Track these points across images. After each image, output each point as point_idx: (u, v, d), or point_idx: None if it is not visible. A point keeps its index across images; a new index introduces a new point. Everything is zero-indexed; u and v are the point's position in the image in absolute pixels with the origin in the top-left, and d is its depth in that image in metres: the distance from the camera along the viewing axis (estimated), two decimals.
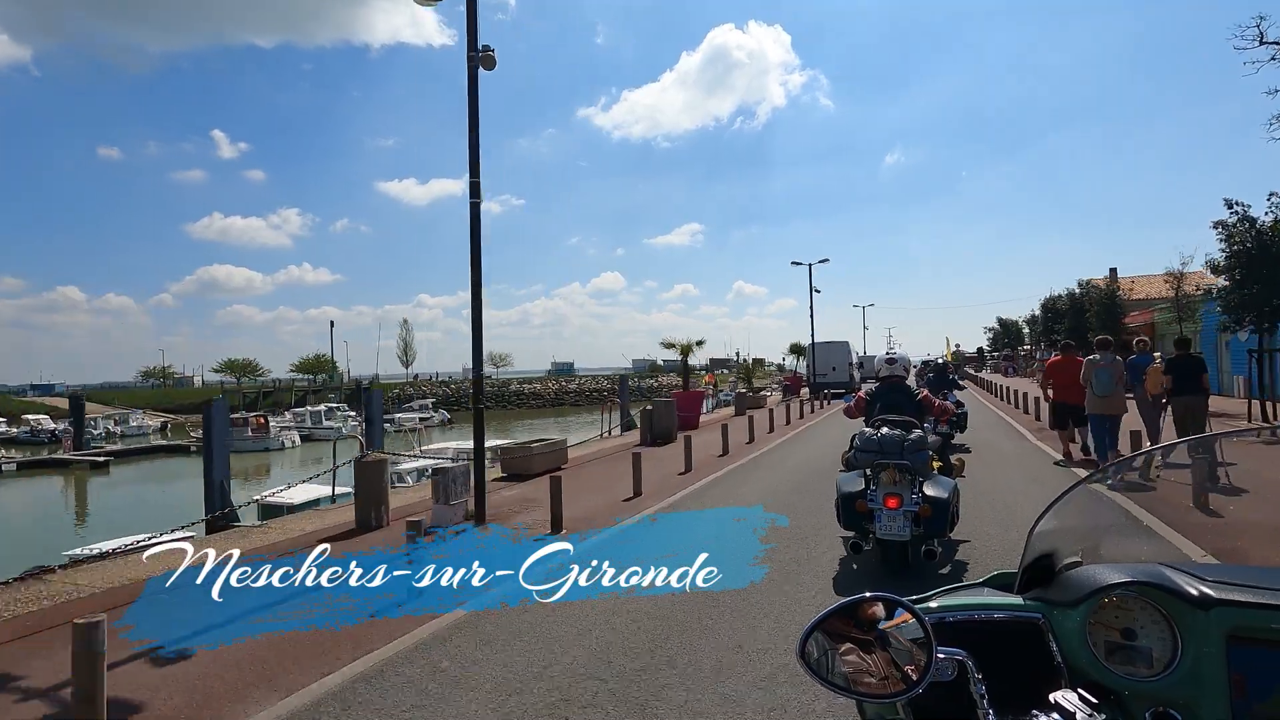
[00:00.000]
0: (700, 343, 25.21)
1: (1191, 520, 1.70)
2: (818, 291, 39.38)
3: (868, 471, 5.49)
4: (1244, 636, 1.20)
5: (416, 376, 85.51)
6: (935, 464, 6.04)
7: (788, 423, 21.60)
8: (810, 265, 38.97)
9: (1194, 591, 1.24)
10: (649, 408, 18.22)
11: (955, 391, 14.02)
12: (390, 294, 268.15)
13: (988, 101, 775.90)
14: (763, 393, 43.20)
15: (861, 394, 6.72)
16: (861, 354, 61.85)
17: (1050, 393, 11.33)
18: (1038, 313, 52.70)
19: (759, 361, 38.15)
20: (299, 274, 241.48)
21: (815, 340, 39.36)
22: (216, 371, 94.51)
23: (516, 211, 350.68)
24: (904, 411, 6.13)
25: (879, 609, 1.25)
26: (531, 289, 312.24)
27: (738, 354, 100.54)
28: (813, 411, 26.82)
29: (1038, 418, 19.15)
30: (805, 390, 36.90)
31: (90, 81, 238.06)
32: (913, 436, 5.70)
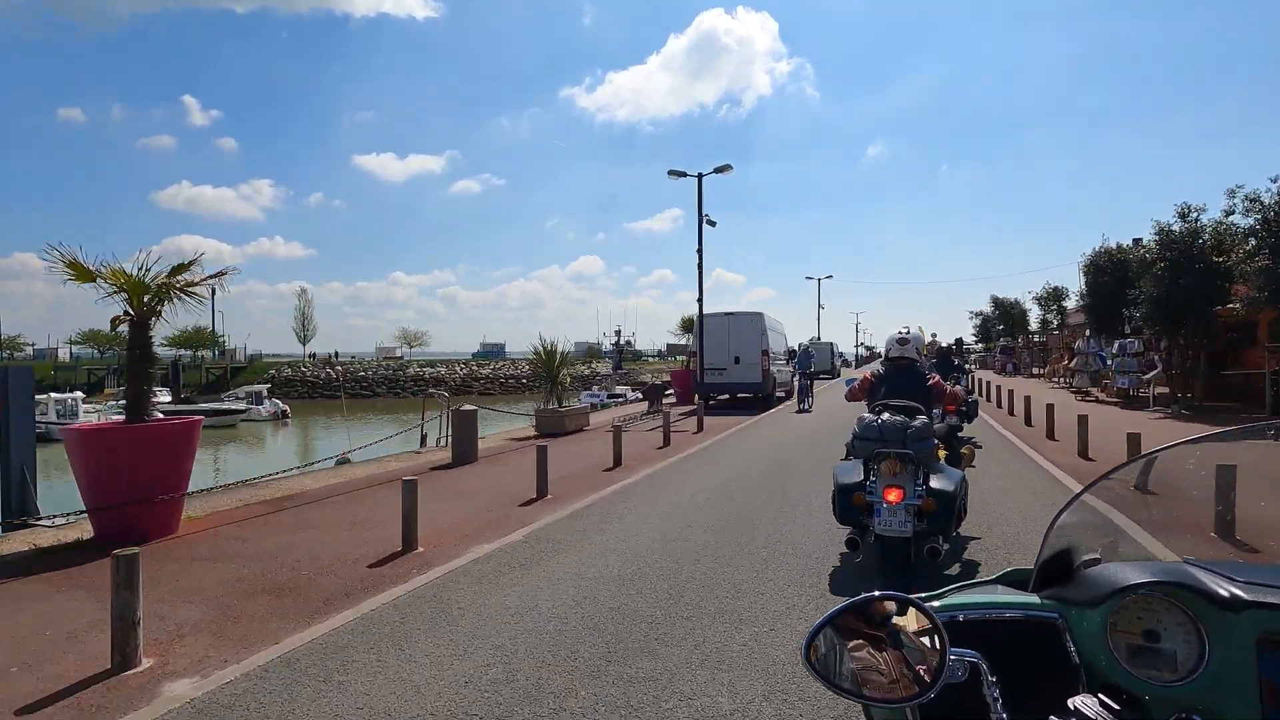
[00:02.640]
0: (187, 261, 7.35)
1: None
2: (711, 224, 23.65)
3: (867, 461, 5.20)
4: (1276, 640, 1.12)
5: (314, 355, 75.95)
6: (941, 453, 5.63)
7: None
8: (700, 176, 23.00)
9: (1224, 593, 1.15)
10: None
11: (961, 378, 12.85)
12: (364, 270, 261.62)
13: (972, 96, 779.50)
14: (654, 387, 24.29)
15: (869, 374, 6.21)
16: (817, 339, 47.31)
17: None
18: (1059, 285, 38.78)
19: (551, 353, 17.41)
20: (270, 247, 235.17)
21: (704, 311, 22.30)
22: (75, 343, 78.09)
23: (497, 191, 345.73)
24: (912, 397, 5.66)
25: (890, 607, 1.17)
26: (508, 270, 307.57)
27: (619, 334, 74.29)
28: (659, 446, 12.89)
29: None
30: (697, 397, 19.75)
31: (50, 39, 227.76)
32: (916, 423, 5.27)
